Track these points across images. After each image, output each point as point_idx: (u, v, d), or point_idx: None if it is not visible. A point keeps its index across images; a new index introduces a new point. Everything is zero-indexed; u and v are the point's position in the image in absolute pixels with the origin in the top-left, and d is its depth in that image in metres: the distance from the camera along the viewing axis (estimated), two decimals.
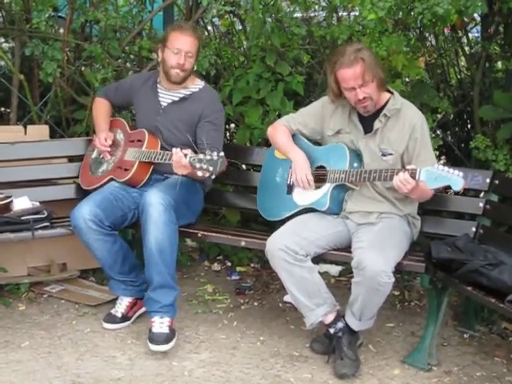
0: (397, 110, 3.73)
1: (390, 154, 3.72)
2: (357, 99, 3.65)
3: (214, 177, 3.61)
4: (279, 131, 4.04)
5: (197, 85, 4.20)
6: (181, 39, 4.02)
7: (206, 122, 4.07)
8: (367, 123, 3.78)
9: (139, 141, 4.16)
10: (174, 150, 3.77)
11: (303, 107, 4.14)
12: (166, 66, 4.08)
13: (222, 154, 3.59)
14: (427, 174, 3.39)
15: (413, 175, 3.44)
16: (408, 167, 3.51)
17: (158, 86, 4.20)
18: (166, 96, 4.18)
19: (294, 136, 4.02)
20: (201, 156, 3.58)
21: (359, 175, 3.67)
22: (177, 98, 4.16)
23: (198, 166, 3.56)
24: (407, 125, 3.71)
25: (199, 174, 3.58)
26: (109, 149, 4.27)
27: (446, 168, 3.34)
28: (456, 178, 3.31)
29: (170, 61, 4.05)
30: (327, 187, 3.79)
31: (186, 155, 3.66)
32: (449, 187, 3.37)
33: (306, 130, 3.99)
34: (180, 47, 4.01)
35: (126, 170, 4.14)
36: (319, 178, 3.84)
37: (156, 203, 3.80)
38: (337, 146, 3.83)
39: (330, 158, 3.83)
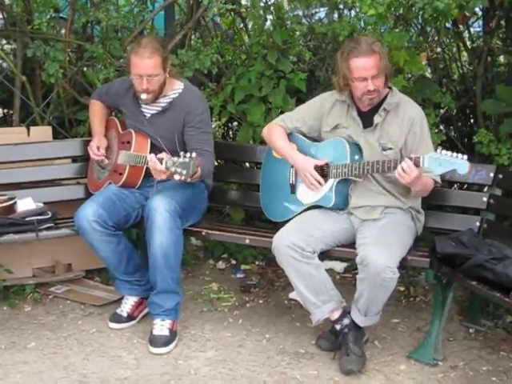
0: (396, 104, 3.73)
1: (390, 149, 3.72)
2: (366, 90, 3.63)
3: (189, 180, 3.60)
4: (275, 132, 4.01)
5: (176, 89, 4.07)
6: (139, 65, 3.86)
7: (190, 128, 4.00)
8: (366, 118, 3.77)
9: (128, 142, 4.12)
10: (148, 156, 3.77)
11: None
12: (135, 89, 4.02)
13: (194, 155, 3.56)
14: (431, 160, 3.37)
15: (417, 163, 3.42)
16: (412, 155, 3.48)
17: (139, 99, 4.07)
18: (149, 107, 4.10)
19: (290, 134, 4.01)
20: (175, 159, 3.56)
21: (362, 168, 3.66)
22: (160, 108, 4.07)
23: (173, 169, 3.55)
24: (406, 119, 3.71)
25: (176, 177, 3.56)
26: (102, 157, 4.24)
27: (449, 153, 3.33)
28: (461, 162, 3.30)
29: (135, 85, 3.97)
30: (331, 183, 3.79)
31: (161, 160, 3.65)
32: (455, 171, 3.34)
33: (304, 127, 3.96)
34: (140, 73, 3.88)
35: (120, 174, 4.13)
36: (322, 174, 3.83)
37: (161, 209, 3.80)
38: (335, 141, 3.81)
39: (330, 154, 3.82)
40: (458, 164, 3.31)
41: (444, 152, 3.34)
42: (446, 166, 3.34)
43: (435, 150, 3.42)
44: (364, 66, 3.59)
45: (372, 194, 3.79)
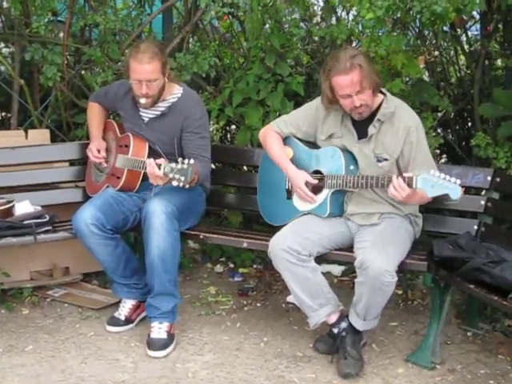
0: (391, 113, 3.68)
1: (386, 160, 3.68)
2: (353, 106, 3.59)
3: (187, 186, 3.61)
4: (271, 138, 3.98)
5: (175, 94, 4.06)
6: (138, 70, 3.85)
7: (188, 133, 4.00)
8: (360, 128, 3.73)
9: (126, 146, 4.11)
10: (147, 161, 3.76)
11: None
12: (134, 94, 4.01)
13: (191, 161, 3.56)
14: (424, 181, 3.36)
15: (409, 183, 3.41)
16: (405, 175, 3.45)
17: (137, 103, 4.06)
18: (147, 111, 4.10)
19: (286, 138, 3.98)
20: (173, 165, 3.56)
21: (356, 182, 3.64)
22: (158, 113, 4.07)
23: (171, 175, 3.55)
24: (401, 128, 3.66)
25: (174, 184, 3.56)
26: (102, 159, 4.24)
27: (443, 175, 3.32)
28: (454, 187, 3.29)
29: (134, 90, 3.96)
30: (326, 193, 3.77)
31: (159, 166, 3.64)
32: (447, 196, 3.33)
33: (299, 133, 3.94)
34: (139, 78, 3.87)
35: (118, 177, 4.12)
36: (317, 183, 3.82)
37: (158, 211, 3.79)
38: (330, 150, 3.79)
39: (325, 163, 3.80)
40: (451, 189, 3.30)
41: (437, 174, 3.32)
42: (438, 190, 3.33)
43: (432, 153, 3.40)
44: (345, 84, 3.53)
45: (368, 202, 3.77)
